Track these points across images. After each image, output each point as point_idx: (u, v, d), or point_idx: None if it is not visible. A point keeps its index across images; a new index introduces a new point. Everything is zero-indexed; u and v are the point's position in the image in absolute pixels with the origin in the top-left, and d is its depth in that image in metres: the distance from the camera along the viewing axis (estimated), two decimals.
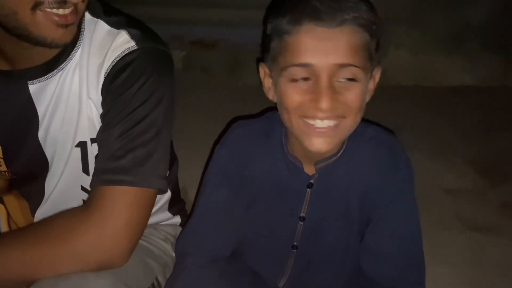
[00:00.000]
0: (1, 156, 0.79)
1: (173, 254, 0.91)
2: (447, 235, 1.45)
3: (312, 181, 0.78)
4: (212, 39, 2.52)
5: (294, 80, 0.67)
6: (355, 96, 0.67)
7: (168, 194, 0.95)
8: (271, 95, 0.75)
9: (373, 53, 0.69)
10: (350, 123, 0.70)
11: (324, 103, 0.65)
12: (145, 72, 0.72)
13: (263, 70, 0.76)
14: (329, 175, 0.77)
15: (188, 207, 1.05)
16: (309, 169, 0.78)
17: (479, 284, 1.25)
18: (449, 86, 2.62)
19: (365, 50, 0.67)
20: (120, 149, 0.70)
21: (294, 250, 0.82)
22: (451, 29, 2.63)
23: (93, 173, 0.72)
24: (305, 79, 0.67)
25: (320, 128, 0.68)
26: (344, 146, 0.77)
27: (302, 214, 0.80)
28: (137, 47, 0.72)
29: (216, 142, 0.83)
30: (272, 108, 0.83)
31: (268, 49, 0.73)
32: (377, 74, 0.74)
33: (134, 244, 0.71)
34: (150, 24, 0.78)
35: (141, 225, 0.72)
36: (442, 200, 1.63)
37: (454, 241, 1.42)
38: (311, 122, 0.68)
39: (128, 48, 0.72)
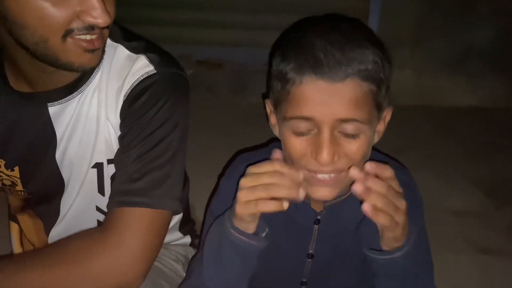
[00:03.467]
0: (18, 176, 0.80)
1: (184, 274, 0.92)
2: (455, 257, 1.44)
3: (319, 217, 0.76)
4: (218, 59, 2.55)
5: (296, 133, 0.66)
6: (357, 149, 0.65)
7: (180, 215, 0.95)
8: (276, 132, 0.74)
9: (381, 101, 0.67)
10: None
11: (325, 157, 0.63)
12: (163, 96, 0.73)
13: (268, 106, 0.75)
14: (338, 212, 0.76)
15: (197, 227, 1.06)
16: (316, 206, 0.76)
17: None
18: (453, 107, 2.63)
19: (370, 101, 0.65)
20: (137, 172, 0.71)
21: (303, 286, 0.81)
22: (454, 50, 2.65)
23: (110, 194, 0.73)
24: (307, 132, 0.66)
25: (322, 178, 0.67)
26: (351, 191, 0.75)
27: (310, 251, 0.78)
28: (155, 71, 0.73)
29: (221, 175, 0.83)
30: (276, 138, 0.82)
31: (272, 88, 0.71)
32: (387, 115, 0.72)
33: (149, 266, 0.71)
34: (158, 43, 0.80)
35: (157, 247, 0.73)
36: (449, 222, 1.63)
37: (462, 264, 1.41)
38: (314, 174, 0.67)
39: (147, 72, 0.73)
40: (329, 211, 0.76)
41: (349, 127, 0.64)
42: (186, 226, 0.99)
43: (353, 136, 0.65)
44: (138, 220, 0.69)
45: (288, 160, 0.70)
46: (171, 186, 0.73)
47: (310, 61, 0.63)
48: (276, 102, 0.70)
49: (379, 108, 0.67)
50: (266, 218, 0.74)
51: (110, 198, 0.73)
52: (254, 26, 2.42)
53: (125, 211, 0.69)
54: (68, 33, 0.63)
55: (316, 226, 0.77)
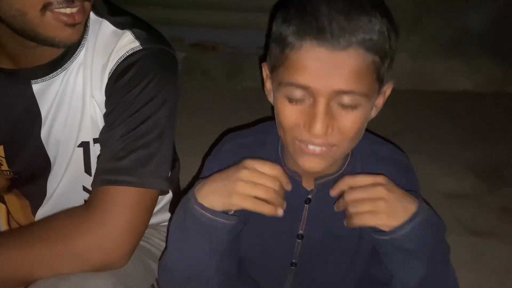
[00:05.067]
0: (3, 155, 0.79)
1: None
2: (447, 239, 1.46)
3: (310, 196, 0.74)
4: (212, 41, 2.52)
5: (291, 100, 0.64)
6: (352, 123, 0.63)
7: (170, 195, 0.95)
8: (271, 98, 0.72)
9: (383, 74, 0.64)
10: (344, 148, 0.67)
11: (318, 129, 0.61)
12: (149, 72, 0.72)
13: (265, 71, 0.72)
14: (327, 193, 0.72)
15: None
16: (307, 184, 0.75)
17: None
18: (448, 91, 2.63)
19: (372, 73, 0.62)
20: (122, 150, 0.70)
21: (293, 267, 0.80)
22: (450, 34, 2.64)
23: (95, 173, 0.72)
24: (301, 101, 0.63)
25: (312, 150, 0.65)
26: (347, 162, 0.74)
27: (300, 232, 0.76)
28: (141, 48, 0.72)
29: (207, 154, 0.81)
30: (267, 119, 0.81)
31: (270, 51, 0.69)
32: (388, 89, 0.70)
33: (135, 245, 0.71)
34: (151, 25, 0.78)
35: (142, 226, 0.72)
36: (442, 205, 1.63)
37: (454, 245, 1.40)
38: (304, 145, 0.65)
39: (133, 48, 0.72)
40: (320, 190, 0.74)
41: (347, 99, 0.61)
42: (175, 206, 0.98)
43: (349, 108, 0.62)
44: (123, 199, 0.68)
45: (279, 128, 0.68)
46: (158, 165, 0.72)
47: (313, 26, 0.59)
48: (273, 66, 0.67)
49: (380, 81, 0.64)
50: None
51: (94, 176, 0.72)
52: (249, 8, 2.39)
53: (109, 190, 0.68)
54: (46, 5, 0.62)
55: (306, 206, 0.75)
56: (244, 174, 0.64)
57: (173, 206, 0.98)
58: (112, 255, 0.68)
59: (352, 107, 0.62)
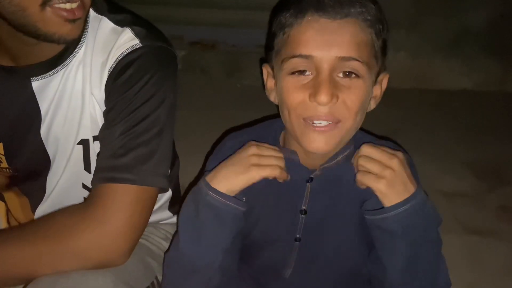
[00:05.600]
0: (2, 153, 0.79)
1: None
2: (446, 238, 1.41)
3: (312, 176, 0.76)
4: (211, 39, 2.52)
5: (294, 73, 0.66)
6: (355, 95, 0.65)
7: (169, 193, 0.94)
8: (272, 97, 0.74)
9: (378, 52, 0.68)
10: (349, 124, 0.68)
11: (323, 96, 0.63)
12: (149, 70, 0.71)
13: (266, 70, 0.75)
14: (331, 175, 0.75)
15: None
16: (310, 164, 0.76)
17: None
18: (448, 89, 2.63)
19: (369, 46, 0.66)
20: (122, 147, 0.70)
21: (297, 242, 0.80)
22: (449, 33, 2.65)
23: (95, 170, 0.72)
24: (305, 72, 0.65)
25: (319, 127, 0.66)
26: (348, 152, 0.75)
27: (303, 207, 0.77)
28: (141, 45, 0.72)
29: (209, 153, 0.82)
30: (266, 118, 0.83)
31: (271, 47, 0.72)
32: (384, 80, 0.72)
33: (134, 242, 0.71)
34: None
35: (142, 224, 0.72)
36: (441, 204, 1.64)
37: (453, 245, 1.41)
38: (310, 121, 0.67)
39: (132, 46, 0.72)
40: (324, 173, 0.75)
41: (349, 65, 0.64)
42: (175, 206, 0.98)
43: (353, 76, 0.65)
44: (122, 196, 0.68)
45: (284, 112, 0.70)
46: (158, 163, 0.72)
47: (311, 2, 0.65)
48: (276, 53, 0.70)
49: (376, 58, 0.68)
50: (254, 191, 0.73)
51: (94, 174, 0.72)
52: (248, 6, 2.38)
53: (109, 187, 0.68)
54: (46, 1, 0.62)
55: (308, 184, 0.76)
56: (253, 149, 0.70)
57: (172, 204, 0.98)
58: (112, 252, 0.68)
59: (356, 74, 0.65)
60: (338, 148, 0.73)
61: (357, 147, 0.73)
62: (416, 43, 2.67)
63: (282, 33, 0.68)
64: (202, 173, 0.80)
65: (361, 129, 0.76)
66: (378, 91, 0.72)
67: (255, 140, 0.75)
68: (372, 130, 0.81)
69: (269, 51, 0.73)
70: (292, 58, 0.65)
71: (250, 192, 0.72)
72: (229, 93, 2.39)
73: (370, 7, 0.65)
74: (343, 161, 0.74)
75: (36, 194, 0.83)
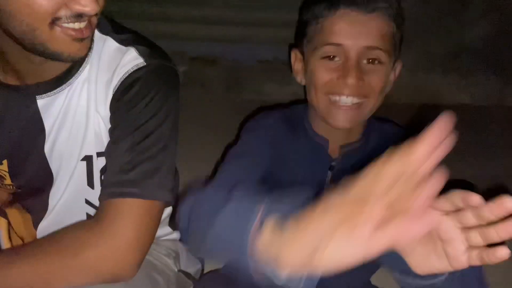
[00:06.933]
0: (6, 170, 0.80)
1: (175, 269, 0.91)
2: None
3: (334, 163, 0.81)
4: (212, 55, 2.55)
5: (325, 58, 0.75)
6: (378, 78, 0.75)
7: (169, 209, 0.95)
8: (299, 78, 0.83)
9: (397, 43, 0.77)
10: (372, 103, 0.77)
11: (351, 79, 0.72)
12: (153, 88, 0.73)
13: (294, 54, 0.84)
14: (351, 160, 0.80)
15: None
16: (332, 153, 0.82)
17: None
18: (447, 104, 2.65)
19: (391, 38, 0.75)
20: (129, 163, 0.71)
21: None
22: (448, 48, 2.68)
23: (102, 186, 0.73)
24: (335, 58, 0.75)
25: (344, 105, 0.75)
26: (366, 134, 0.83)
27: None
28: (145, 64, 0.73)
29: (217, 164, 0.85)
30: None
31: (303, 34, 0.80)
32: (398, 67, 0.82)
33: (143, 255, 0.72)
34: (151, 39, 0.80)
35: (150, 237, 0.73)
36: None
37: None
38: (337, 98, 0.75)
39: (137, 64, 0.73)
40: (344, 158, 0.81)
41: (374, 53, 0.74)
42: (175, 221, 0.99)
43: (376, 62, 0.75)
44: (130, 210, 0.69)
45: (311, 91, 0.77)
46: (163, 177, 0.74)
47: None
48: (308, 41, 0.79)
49: (395, 49, 0.78)
50: (285, 160, 0.79)
51: (102, 189, 0.73)
52: (248, 22, 2.42)
53: (117, 202, 0.69)
54: (55, 20, 0.63)
55: (330, 173, 0.80)
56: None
57: (172, 220, 0.98)
58: (122, 266, 0.69)
59: (379, 61, 0.75)
60: (361, 126, 0.82)
61: (373, 123, 0.83)
62: (415, 59, 2.69)
63: (316, 22, 0.76)
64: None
65: None
66: (393, 76, 0.82)
67: (287, 118, 0.82)
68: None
69: (299, 37, 0.82)
70: (325, 46, 0.75)
71: (281, 159, 0.78)
72: (229, 106, 2.42)
73: (393, 2, 0.75)
74: (362, 144, 0.82)
75: (39, 210, 0.83)
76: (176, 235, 1.00)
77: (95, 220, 0.71)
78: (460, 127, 1.86)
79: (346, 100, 0.74)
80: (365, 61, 0.74)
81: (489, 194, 1.72)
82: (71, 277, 0.67)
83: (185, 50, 2.47)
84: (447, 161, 1.86)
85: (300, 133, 0.83)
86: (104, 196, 0.71)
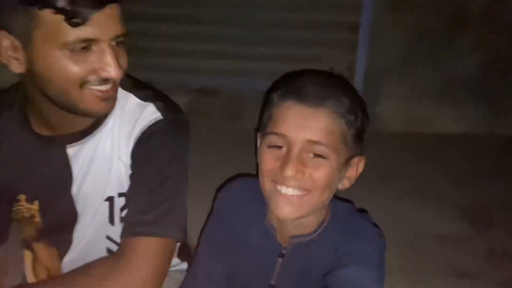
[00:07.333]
0: (38, 209, 0.89)
1: None
2: (436, 281, 1.52)
3: (284, 251, 0.83)
4: (214, 87, 2.66)
5: (270, 146, 0.76)
6: (321, 173, 0.74)
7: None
8: (258, 159, 0.82)
9: (349, 141, 0.76)
10: (316, 197, 0.76)
11: (289, 170, 0.72)
12: (169, 139, 0.83)
13: (258, 138, 0.83)
14: (303, 251, 0.82)
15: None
16: (284, 240, 0.83)
17: None
18: (439, 133, 2.70)
19: (338, 135, 0.74)
20: (147, 205, 0.80)
21: None
22: (440, 80, 2.74)
23: (124, 225, 0.83)
24: (281, 147, 0.75)
25: (286, 195, 0.75)
26: (322, 228, 0.82)
27: (272, 282, 0.84)
28: (162, 118, 0.83)
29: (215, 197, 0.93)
30: None
31: (261, 119, 0.82)
32: (360, 163, 0.80)
33: (159, 286, 0.81)
34: (157, 72, 0.90)
35: (165, 271, 0.82)
36: (432, 246, 1.70)
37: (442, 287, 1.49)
38: (279, 187, 0.75)
39: (155, 118, 0.83)
40: (295, 248, 0.82)
41: (317, 148, 0.73)
42: (183, 253, 1.07)
43: (320, 157, 0.74)
44: (148, 248, 0.78)
45: (261, 177, 0.79)
46: (177, 217, 0.83)
47: (294, 89, 0.75)
48: (263, 127, 0.80)
49: (346, 145, 0.76)
50: (241, 237, 0.84)
51: (123, 228, 0.82)
52: (249, 56, 2.54)
53: (136, 240, 0.79)
54: (84, 84, 0.74)
55: (280, 260, 0.84)
56: None
57: (181, 252, 1.07)
58: None
59: (322, 157, 0.74)
60: (307, 216, 0.79)
61: (334, 219, 0.82)
62: (408, 90, 2.77)
63: (269, 110, 0.78)
64: (209, 214, 0.91)
65: (344, 199, 0.85)
66: (353, 172, 0.80)
67: (254, 193, 0.84)
68: (367, 173, 0.86)
69: (260, 122, 0.83)
70: (272, 135, 0.75)
71: (236, 235, 0.84)
72: (231, 136, 2.47)
73: (343, 101, 0.74)
74: (315, 237, 0.81)
75: (64, 244, 0.92)
76: (184, 266, 1.08)
77: (117, 255, 0.80)
78: (452, 155, 1.97)
79: (287, 190, 0.74)
80: (311, 155, 0.73)
81: (477, 220, 1.80)
82: None
83: (189, 82, 2.58)
84: (439, 188, 1.96)
85: (261, 212, 0.85)
86: (125, 234, 0.81)
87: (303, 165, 0.73)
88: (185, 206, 0.86)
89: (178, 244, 1.03)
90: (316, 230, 0.82)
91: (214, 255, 0.88)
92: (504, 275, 1.59)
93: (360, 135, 0.78)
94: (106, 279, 0.77)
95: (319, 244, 0.81)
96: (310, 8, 2.59)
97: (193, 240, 1.24)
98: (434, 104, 2.78)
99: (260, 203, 0.83)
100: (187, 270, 1.08)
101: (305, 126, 0.73)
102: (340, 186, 0.80)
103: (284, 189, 0.75)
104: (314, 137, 0.73)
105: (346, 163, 0.78)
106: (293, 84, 0.76)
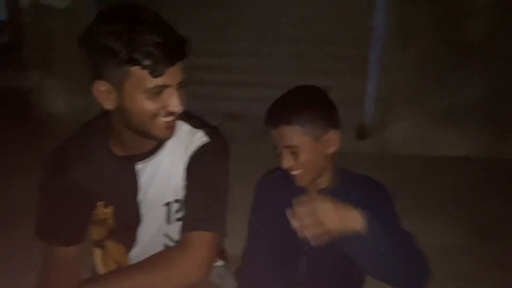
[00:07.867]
0: (112, 213, 1.13)
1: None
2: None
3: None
4: (239, 112, 2.91)
5: (275, 149, 1.14)
6: (302, 157, 1.11)
7: None
8: None
9: (309, 129, 1.10)
10: (312, 170, 1.14)
11: (284, 164, 1.12)
12: (215, 157, 1.08)
13: None
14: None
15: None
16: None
17: None
18: (446, 156, 2.85)
19: (304, 133, 1.10)
20: (201, 206, 1.04)
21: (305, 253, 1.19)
22: (447, 106, 2.91)
23: (183, 222, 1.06)
24: (279, 151, 1.14)
25: (294, 173, 1.14)
26: (335, 184, 1.19)
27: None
28: (209, 141, 1.08)
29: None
30: None
31: None
32: (333, 137, 1.15)
33: (211, 270, 1.04)
34: (189, 99, 1.10)
35: (214, 258, 1.05)
36: (437, 259, 1.83)
37: None
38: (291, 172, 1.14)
39: (204, 141, 1.08)
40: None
41: (292, 148, 1.11)
42: (218, 251, 1.31)
43: (296, 153, 1.11)
44: (204, 240, 1.02)
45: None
46: (224, 216, 1.07)
47: (267, 115, 1.15)
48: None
49: (313, 134, 1.11)
50: (273, 219, 1.18)
51: (183, 224, 1.06)
52: (270, 85, 2.76)
53: (194, 234, 1.02)
54: (156, 116, 0.98)
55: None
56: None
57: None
58: (197, 277, 1.01)
59: (297, 152, 1.11)
60: (317, 179, 1.17)
61: (342, 177, 1.20)
62: (417, 114, 2.93)
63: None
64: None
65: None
66: (330, 148, 1.15)
67: (281, 176, 1.20)
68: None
69: None
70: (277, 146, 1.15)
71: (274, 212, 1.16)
72: (253, 157, 2.67)
73: (291, 115, 1.10)
74: (333, 190, 1.17)
75: (130, 242, 1.16)
76: (221, 263, 1.32)
77: (180, 246, 1.04)
78: (457, 176, 2.20)
79: (293, 173, 1.15)
80: (292, 150, 1.11)
81: (478, 235, 1.97)
82: (164, 284, 1.00)
83: (218, 107, 2.84)
84: (444, 207, 2.16)
85: (292, 186, 1.18)
86: (185, 229, 1.04)
87: (288, 158, 1.12)
88: (227, 207, 1.10)
89: None
90: (331, 186, 1.19)
91: (257, 232, 1.23)
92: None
93: (322, 119, 1.12)
94: (171, 263, 1.00)
95: (339, 192, 1.13)
96: (325, 42, 2.82)
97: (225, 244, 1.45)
98: (441, 129, 2.93)
99: (288, 181, 1.18)
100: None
101: (280, 139, 1.12)
102: (330, 151, 1.15)
103: (292, 173, 1.14)
104: (287, 143, 1.11)
105: (319, 139, 1.12)
106: (268, 112, 1.15)
